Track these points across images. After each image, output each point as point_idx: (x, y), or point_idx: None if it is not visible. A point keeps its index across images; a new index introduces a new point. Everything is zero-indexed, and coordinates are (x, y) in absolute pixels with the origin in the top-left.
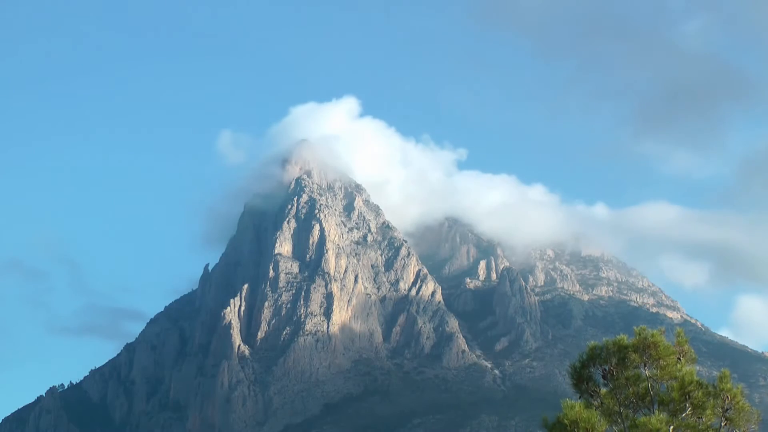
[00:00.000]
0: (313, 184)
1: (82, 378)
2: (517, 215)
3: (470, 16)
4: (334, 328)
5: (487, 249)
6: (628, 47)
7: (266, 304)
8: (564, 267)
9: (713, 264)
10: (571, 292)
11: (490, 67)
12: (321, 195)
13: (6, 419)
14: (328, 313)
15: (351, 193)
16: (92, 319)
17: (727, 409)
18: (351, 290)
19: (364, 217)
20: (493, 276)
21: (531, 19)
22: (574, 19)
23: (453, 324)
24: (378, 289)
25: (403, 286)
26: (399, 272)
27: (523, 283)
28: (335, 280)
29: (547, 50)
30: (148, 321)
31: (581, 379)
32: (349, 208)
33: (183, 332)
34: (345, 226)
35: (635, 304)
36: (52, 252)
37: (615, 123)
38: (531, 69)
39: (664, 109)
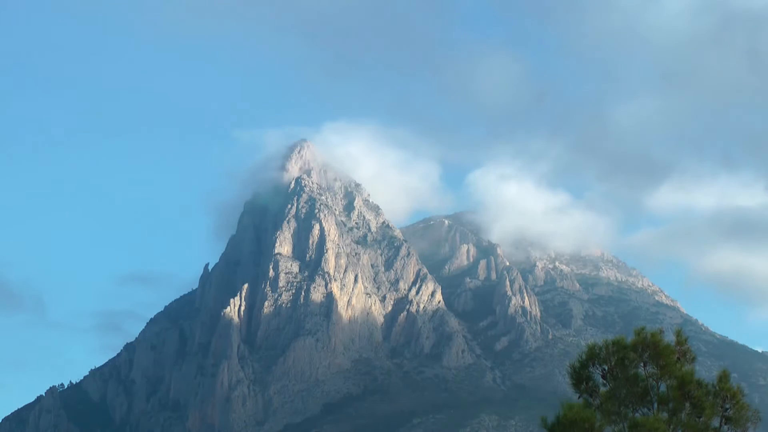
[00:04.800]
0: (313, 183)
1: (82, 378)
2: (517, 215)
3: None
4: (334, 327)
5: (487, 248)
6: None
7: (266, 303)
8: (564, 267)
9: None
10: (571, 292)
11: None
12: (321, 195)
13: (6, 419)
14: (328, 313)
15: (351, 192)
16: (92, 321)
17: (726, 409)
18: (351, 290)
19: (364, 216)
20: (493, 275)
21: (484, 100)
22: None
23: (453, 324)
24: (378, 288)
25: (403, 285)
26: (399, 272)
27: (523, 283)
28: (335, 279)
29: (499, 129)
30: (148, 321)
31: (581, 379)
32: (349, 208)
33: (183, 332)
34: (345, 225)
35: (635, 304)
36: (50, 253)
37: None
38: (486, 144)
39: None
